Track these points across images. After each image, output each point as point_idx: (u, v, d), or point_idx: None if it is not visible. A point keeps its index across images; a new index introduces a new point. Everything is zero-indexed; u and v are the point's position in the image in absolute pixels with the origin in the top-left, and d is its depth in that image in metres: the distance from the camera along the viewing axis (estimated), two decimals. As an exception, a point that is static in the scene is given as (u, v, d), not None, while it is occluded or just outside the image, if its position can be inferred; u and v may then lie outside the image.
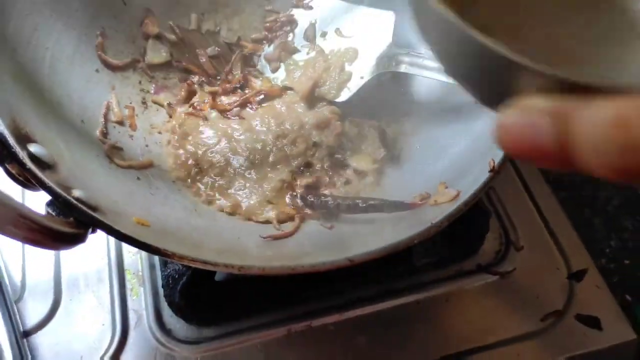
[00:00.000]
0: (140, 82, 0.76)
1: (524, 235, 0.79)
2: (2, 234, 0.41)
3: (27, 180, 0.50)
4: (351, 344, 0.69)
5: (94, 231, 0.49)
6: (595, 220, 0.93)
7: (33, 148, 0.50)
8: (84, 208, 0.48)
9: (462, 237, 0.75)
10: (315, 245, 0.61)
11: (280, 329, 0.70)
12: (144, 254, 0.76)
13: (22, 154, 0.48)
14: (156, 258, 0.75)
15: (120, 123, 0.70)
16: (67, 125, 0.62)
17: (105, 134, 0.67)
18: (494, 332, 0.70)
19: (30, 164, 0.48)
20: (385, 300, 0.72)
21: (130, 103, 0.73)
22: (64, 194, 0.48)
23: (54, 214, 0.48)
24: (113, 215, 0.52)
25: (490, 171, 0.56)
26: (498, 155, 0.57)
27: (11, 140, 0.49)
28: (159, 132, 0.74)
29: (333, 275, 0.70)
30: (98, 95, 0.69)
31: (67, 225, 0.46)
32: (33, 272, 0.75)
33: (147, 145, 0.71)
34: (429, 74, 0.69)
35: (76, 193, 0.49)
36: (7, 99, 0.53)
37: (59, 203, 0.48)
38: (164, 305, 0.72)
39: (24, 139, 0.51)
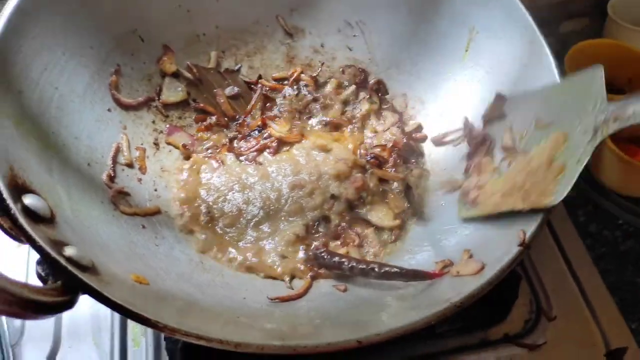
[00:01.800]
0: (153, 122, 0.73)
1: (558, 303, 0.72)
2: (-23, 306, 0.38)
3: (18, 235, 0.47)
4: None
5: (83, 293, 0.46)
6: (638, 280, 0.83)
7: (28, 200, 0.48)
8: (73, 271, 0.44)
9: (487, 303, 0.69)
10: (325, 315, 0.57)
11: None
12: None
13: (14, 208, 0.46)
14: None
15: (130, 165, 0.67)
16: (71, 170, 0.59)
17: (112, 178, 0.64)
18: None
19: (22, 220, 0.45)
20: None
21: (142, 144, 0.70)
22: (54, 254, 0.44)
23: (43, 274, 0.45)
24: (108, 275, 0.48)
25: (520, 245, 0.50)
26: (530, 226, 0.51)
27: (5, 193, 0.46)
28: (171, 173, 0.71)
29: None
30: (108, 136, 0.67)
31: (51, 294, 0.42)
32: None
33: (155, 190, 0.68)
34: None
35: (68, 251, 0.46)
36: (6, 146, 0.50)
37: (48, 263, 0.45)
38: (166, 359, 0.68)
39: (20, 190, 0.48)
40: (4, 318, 0.70)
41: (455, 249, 0.58)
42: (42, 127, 0.58)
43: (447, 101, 0.75)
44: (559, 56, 0.63)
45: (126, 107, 0.70)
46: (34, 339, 0.70)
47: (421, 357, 0.68)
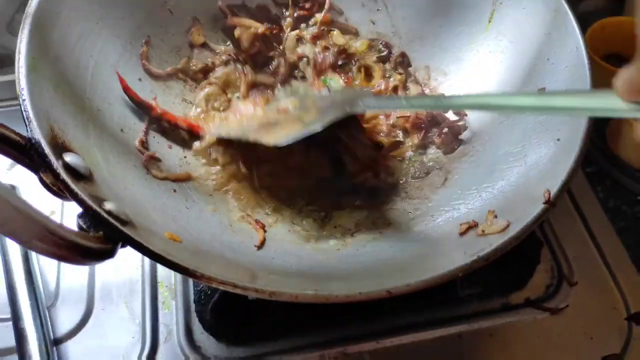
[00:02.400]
0: (182, 92, 0.75)
1: (579, 269, 0.73)
2: (29, 248, 0.40)
3: (60, 190, 0.49)
4: None
5: (123, 246, 0.48)
6: None
7: (69, 158, 0.49)
8: (114, 223, 0.46)
9: (510, 268, 0.71)
10: (356, 268, 0.58)
11: (313, 354, 0.68)
12: None
13: (56, 164, 0.47)
14: None
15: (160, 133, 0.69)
16: (105, 134, 0.61)
17: (144, 144, 0.66)
18: None
19: (64, 174, 0.47)
20: (426, 331, 0.69)
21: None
22: (95, 206, 0.46)
23: (84, 226, 0.47)
24: (144, 230, 0.50)
25: (545, 203, 0.51)
26: (554, 185, 0.52)
27: (47, 149, 0.48)
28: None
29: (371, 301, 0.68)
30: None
31: (95, 240, 0.44)
32: (67, 279, 0.75)
33: (185, 157, 0.70)
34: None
35: (108, 206, 0.48)
36: (46, 108, 0.52)
37: (89, 216, 0.46)
38: (195, 321, 0.70)
39: (61, 148, 0.50)
40: (40, 282, 0.73)
41: (480, 210, 0.59)
42: (78, 92, 0.60)
43: (469, 72, 0.76)
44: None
45: (156, 77, 0.72)
46: (68, 302, 0.72)
47: (443, 320, 0.69)
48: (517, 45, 0.70)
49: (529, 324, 0.69)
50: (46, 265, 0.75)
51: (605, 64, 0.83)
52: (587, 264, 0.74)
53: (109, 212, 0.47)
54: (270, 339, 0.69)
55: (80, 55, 0.61)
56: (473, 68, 0.75)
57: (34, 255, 0.74)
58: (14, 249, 0.73)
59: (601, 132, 0.87)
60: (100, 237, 0.45)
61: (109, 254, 0.46)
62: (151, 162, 0.65)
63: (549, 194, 0.52)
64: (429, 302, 0.70)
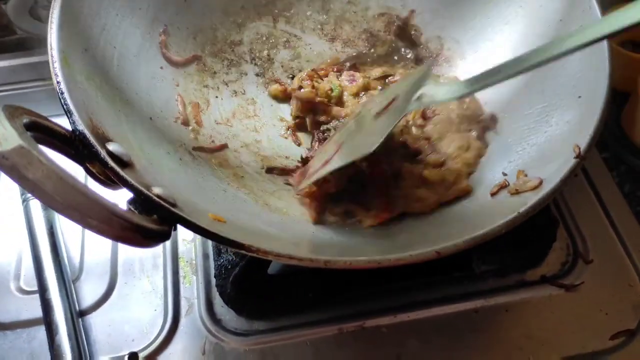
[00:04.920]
0: (202, 79, 0.76)
1: (594, 247, 0.74)
2: (96, 232, 0.41)
3: (107, 178, 0.50)
4: (403, 347, 0.67)
5: (175, 228, 0.49)
6: None
7: (111, 147, 0.50)
8: (167, 205, 0.47)
9: (526, 245, 0.72)
10: (398, 239, 0.60)
11: (332, 327, 0.69)
12: (198, 243, 0.77)
13: (102, 153, 0.48)
14: (210, 248, 0.75)
15: (186, 123, 0.70)
16: (137, 124, 0.62)
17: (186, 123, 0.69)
18: (556, 349, 0.66)
19: (111, 162, 0.48)
20: (442, 306, 0.70)
21: (196, 99, 0.74)
22: (146, 191, 0.47)
23: (136, 212, 0.48)
24: (190, 211, 0.51)
25: (576, 157, 0.53)
26: (583, 140, 0.54)
27: (92, 139, 0.49)
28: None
29: (390, 275, 0.70)
30: (164, 92, 0.70)
31: (154, 222, 0.45)
32: (91, 253, 0.76)
33: (212, 142, 0.71)
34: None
35: (156, 190, 0.49)
36: (82, 99, 0.53)
37: (141, 201, 0.47)
38: (216, 295, 0.72)
39: (102, 138, 0.51)
40: (65, 256, 0.75)
41: (509, 172, 0.61)
42: (108, 83, 0.60)
43: (482, 40, 0.77)
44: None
45: (176, 65, 0.73)
46: (92, 275, 0.75)
47: (460, 296, 0.71)
48: (531, 12, 0.71)
49: (544, 300, 0.70)
50: (71, 241, 0.77)
51: (621, 49, 0.84)
52: (603, 242, 0.75)
53: (158, 196, 0.48)
54: (290, 313, 0.70)
55: (105, 47, 0.62)
56: (485, 34, 0.77)
57: (59, 230, 0.76)
58: (40, 224, 0.75)
59: (616, 118, 0.88)
60: (155, 220, 0.47)
61: (166, 235, 0.47)
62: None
63: (579, 148, 0.54)
64: (446, 277, 0.72)
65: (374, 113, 0.64)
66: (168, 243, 0.77)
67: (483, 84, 0.55)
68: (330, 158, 0.61)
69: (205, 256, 0.75)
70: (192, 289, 0.73)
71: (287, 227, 0.62)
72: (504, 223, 0.49)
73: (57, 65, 0.52)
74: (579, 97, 0.60)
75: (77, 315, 0.69)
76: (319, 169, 0.62)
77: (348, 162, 0.58)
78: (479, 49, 0.78)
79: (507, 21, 0.75)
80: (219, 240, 0.48)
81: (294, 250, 0.49)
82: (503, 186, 0.59)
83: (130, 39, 0.67)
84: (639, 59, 0.84)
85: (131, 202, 0.49)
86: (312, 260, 0.48)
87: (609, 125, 0.87)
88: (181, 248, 0.77)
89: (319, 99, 0.74)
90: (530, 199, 0.52)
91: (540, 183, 0.55)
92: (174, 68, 0.73)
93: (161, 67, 0.71)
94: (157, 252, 0.76)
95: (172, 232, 0.72)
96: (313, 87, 0.75)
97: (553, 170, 0.54)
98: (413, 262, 0.48)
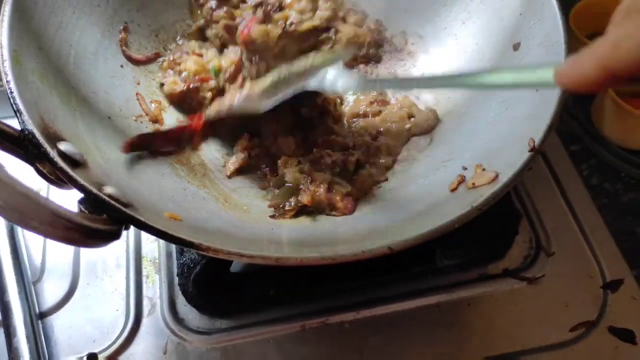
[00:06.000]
0: (164, 77, 0.75)
1: (556, 240, 0.75)
2: (39, 233, 0.40)
3: (58, 178, 0.49)
4: (366, 343, 0.67)
5: (127, 228, 0.49)
6: (638, 230, 0.81)
7: (63, 146, 0.50)
8: (117, 205, 0.47)
9: (488, 239, 0.72)
10: (356, 232, 0.60)
11: (295, 324, 0.69)
12: (162, 242, 0.76)
13: (52, 153, 0.48)
14: (173, 246, 0.75)
15: (154, 120, 0.70)
16: (94, 123, 0.61)
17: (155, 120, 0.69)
18: (519, 341, 0.67)
19: (61, 162, 0.48)
20: (405, 301, 0.70)
21: (158, 98, 0.73)
22: (96, 191, 0.47)
23: (86, 212, 0.48)
24: (145, 211, 0.51)
25: (531, 150, 0.53)
26: (538, 134, 0.54)
27: (41, 139, 0.48)
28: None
29: (352, 272, 0.70)
30: (124, 91, 0.69)
31: (102, 222, 0.45)
32: (53, 254, 0.76)
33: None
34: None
35: (108, 190, 0.48)
36: (34, 99, 0.52)
37: (91, 201, 0.47)
38: (179, 294, 0.72)
39: (53, 138, 0.50)
40: (25, 257, 0.74)
41: (468, 166, 0.61)
42: (63, 82, 0.60)
43: (446, 35, 0.77)
44: (565, 12, 0.62)
45: (137, 63, 0.72)
46: (54, 276, 0.74)
47: (422, 290, 0.71)
48: (490, 6, 0.72)
49: (506, 294, 0.71)
50: (32, 242, 0.76)
51: (588, 41, 0.84)
52: (565, 235, 0.75)
53: (109, 196, 0.48)
54: (252, 310, 0.70)
55: (60, 45, 0.61)
56: (449, 29, 0.77)
57: (19, 232, 0.76)
58: (-1, 226, 0.74)
59: (586, 110, 0.88)
60: (105, 220, 0.46)
61: (115, 235, 0.46)
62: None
63: (534, 142, 0.54)
64: (408, 273, 0.72)
65: (282, 76, 0.65)
66: (131, 242, 0.76)
67: (380, 87, 0.71)
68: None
69: (169, 255, 0.75)
70: (155, 288, 0.73)
71: (246, 224, 0.61)
72: (457, 217, 0.50)
73: (7, 64, 0.52)
74: (537, 90, 0.60)
75: (37, 317, 0.69)
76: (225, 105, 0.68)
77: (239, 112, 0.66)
78: (443, 44, 0.78)
79: (470, 16, 0.75)
80: (169, 238, 0.47)
81: (247, 247, 0.49)
82: (461, 181, 0.59)
83: (88, 37, 0.66)
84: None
85: (81, 201, 0.48)
86: (264, 258, 0.47)
87: (579, 118, 0.87)
88: (145, 247, 0.76)
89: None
90: (485, 193, 0.52)
91: (496, 176, 0.55)
92: (135, 66, 0.72)
93: (121, 66, 0.70)
94: (121, 252, 0.75)
95: (137, 232, 0.74)
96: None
97: (509, 164, 0.54)
98: (366, 258, 0.48)
